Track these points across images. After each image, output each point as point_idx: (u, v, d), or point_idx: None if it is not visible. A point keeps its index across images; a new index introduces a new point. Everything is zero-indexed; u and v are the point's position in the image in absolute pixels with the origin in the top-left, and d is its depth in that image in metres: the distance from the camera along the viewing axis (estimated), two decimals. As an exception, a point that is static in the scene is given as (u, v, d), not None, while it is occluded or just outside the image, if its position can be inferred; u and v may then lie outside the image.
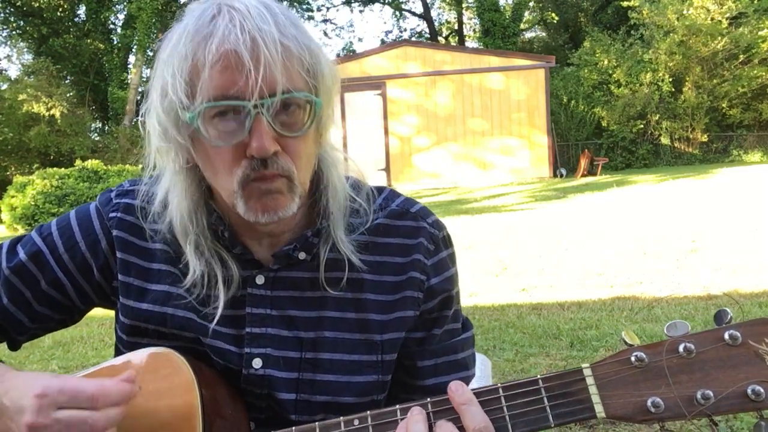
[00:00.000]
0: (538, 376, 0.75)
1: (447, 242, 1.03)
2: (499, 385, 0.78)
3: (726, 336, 0.68)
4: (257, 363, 0.94)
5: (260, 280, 0.96)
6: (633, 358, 0.70)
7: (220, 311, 0.94)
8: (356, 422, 0.82)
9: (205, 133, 0.84)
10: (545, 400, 0.74)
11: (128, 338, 0.99)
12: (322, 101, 0.87)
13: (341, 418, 0.84)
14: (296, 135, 0.86)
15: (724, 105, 20.73)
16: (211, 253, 0.95)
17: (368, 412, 0.83)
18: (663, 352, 0.68)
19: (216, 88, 0.81)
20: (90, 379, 0.82)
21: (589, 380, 0.73)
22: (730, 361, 0.68)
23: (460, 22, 33.66)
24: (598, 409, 0.70)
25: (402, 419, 0.80)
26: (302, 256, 0.96)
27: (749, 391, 0.66)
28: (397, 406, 0.82)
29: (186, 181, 0.94)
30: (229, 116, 0.83)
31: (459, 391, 0.79)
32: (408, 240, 0.99)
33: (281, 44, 0.81)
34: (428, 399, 0.81)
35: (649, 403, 0.68)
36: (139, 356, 0.92)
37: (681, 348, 0.69)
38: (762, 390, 0.65)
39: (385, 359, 0.97)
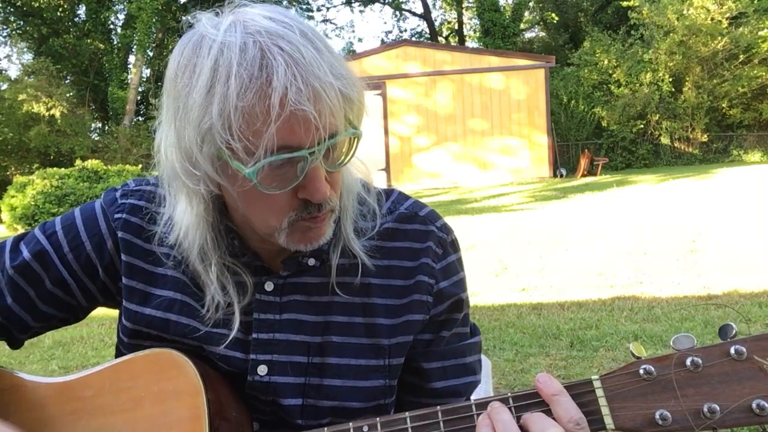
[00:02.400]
0: None
1: (455, 246, 1.03)
2: (509, 394, 0.78)
3: (732, 351, 0.69)
4: (262, 370, 0.94)
5: (269, 286, 0.96)
6: (641, 371, 0.71)
7: (236, 325, 0.94)
8: (365, 429, 0.82)
9: (260, 183, 0.81)
10: None
11: (129, 340, 0.98)
12: (362, 130, 0.86)
13: (350, 423, 0.83)
14: (340, 168, 0.87)
15: (724, 105, 20.73)
16: (225, 267, 0.95)
17: (377, 418, 0.82)
18: (671, 365, 0.69)
19: (279, 141, 0.77)
20: None
21: (599, 392, 0.73)
22: (735, 375, 0.69)
23: (460, 22, 33.63)
24: (608, 420, 0.71)
25: (413, 427, 0.79)
26: (311, 262, 0.96)
27: (754, 405, 0.67)
28: (407, 414, 0.81)
29: (206, 212, 0.91)
30: (284, 163, 0.80)
31: (549, 382, 0.77)
32: (416, 244, 0.99)
33: (342, 92, 0.79)
34: (509, 393, 0.79)
35: (657, 415, 0.69)
36: (143, 357, 0.92)
37: (688, 362, 0.70)
38: (766, 405, 0.67)
39: (392, 363, 0.97)
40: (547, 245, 7.34)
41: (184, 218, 0.92)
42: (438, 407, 0.80)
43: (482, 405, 0.79)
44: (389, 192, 1.05)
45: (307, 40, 0.79)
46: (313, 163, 0.80)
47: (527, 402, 0.77)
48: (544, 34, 32.70)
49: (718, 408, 0.66)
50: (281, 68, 0.75)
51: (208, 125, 0.77)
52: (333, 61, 0.79)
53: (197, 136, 0.79)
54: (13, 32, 28.86)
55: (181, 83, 0.80)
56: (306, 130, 0.77)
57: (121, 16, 26.92)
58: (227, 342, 0.93)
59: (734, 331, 0.69)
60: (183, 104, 0.80)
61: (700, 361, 0.69)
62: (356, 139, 0.86)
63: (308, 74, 0.76)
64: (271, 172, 0.80)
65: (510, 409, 0.77)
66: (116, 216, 0.99)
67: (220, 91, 0.76)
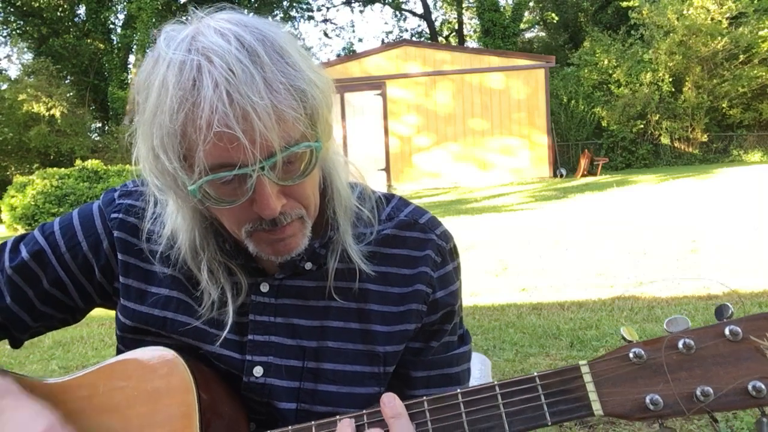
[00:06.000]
0: (535, 373, 0.74)
1: (453, 254, 1.02)
2: (495, 382, 0.77)
3: (726, 331, 0.67)
4: (258, 371, 0.94)
5: (265, 287, 0.96)
6: (631, 355, 0.69)
7: (229, 323, 0.94)
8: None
9: (207, 198, 0.82)
10: (542, 397, 0.73)
11: (132, 335, 0.99)
12: (321, 142, 0.83)
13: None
14: (300, 181, 0.84)
15: (724, 105, 20.73)
16: (218, 264, 0.95)
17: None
18: (662, 348, 0.67)
19: (212, 160, 0.77)
20: None
21: (587, 377, 0.72)
22: (730, 357, 0.67)
23: (460, 22, 33.67)
24: (596, 407, 0.69)
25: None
26: (308, 266, 0.96)
27: (750, 387, 0.64)
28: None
29: (190, 214, 0.92)
30: (230, 179, 0.80)
31: (391, 404, 0.79)
32: (415, 252, 0.98)
33: (274, 110, 0.76)
34: (364, 410, 0.82)
35: (647, 400, 0.67)
36: (137, 356, 0.92)
37: (680, 344, 0.67)
38: (763, 386, 0.64)
39: (386, 371, 0.97)
40: (547, 245, 7.32)
41: (171, 220, 0.94)
42: (424, 397, 0.81)
43: (469, 393, 0.79)
44: (389, 197, 1.04)
45: (247, 53, 0.76)
46: (257, 179, 0.79)
47: (375, 419, 0.80)
48: (544, 34, 32.73)
49: (711, 391, 0.64)
50: (209, 89, 0.74)
51: (155, 145, 0.79)
52: (275, 75, 0.77)
53: (150, 153, 0.81)
54: (13, 32, 28.91)
55: (140, 99, 0.82)
56: (236, 150, 0.76)
57: (121, 16, 27.07)
58: (222, 341, 0.94)
59: (730, 312, 0.67)
60: (142, 120, 0.82)
61: (693, 343, 0.67)
62: (315, 152, 0.83)
63: (237, 94, 0.74)
64: (221, 186, 0.81)
65: (363, 425, 0.80)
66: (113, 216, 1.00)
67: (160, 113, 0.78)
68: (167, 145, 0.78)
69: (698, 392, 0.65)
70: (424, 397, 0.80)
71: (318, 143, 0.82)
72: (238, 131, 0.74)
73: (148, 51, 0.84)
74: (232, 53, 0.75)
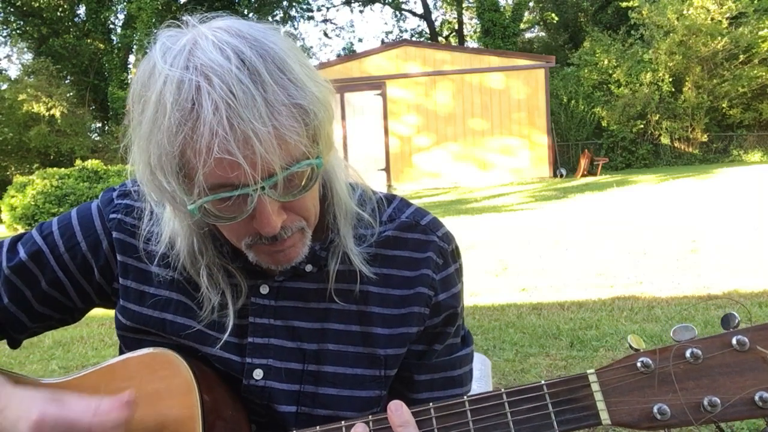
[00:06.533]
0: (543, 382, 0.74)
1: (455, 256, 1.02)
2: (502, 390, 0.77)
3: (733, 341, 0.67)
4: (258, 374, 0.93)
5: (264, 289, 0.95)
6: (639, 364, 0.69)
7: (230, 327, 0.93)
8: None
9: (207, 215, 0.82)
10: (550, 406, 0.73)
11: (132, 335, 0.98)
12: (322, 157, 0.82)
13: (342, 422, 0.84)
14: (301, 196, 0.83)
15: (724, 105, 20.73)
16: (217, 267, 0.94)
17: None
18: (670, 357, 0.67)
19: (212, 181, 0.77)
20: (89, 402, 0.81)
21: (595, 386, 0.72)
22: (737, 367, 0.67)
23: (460, 22, 33.64)
24: (604, 416, 0.69)
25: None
26: (309, 268, 0.95)
27: (757, 397, 0.65)
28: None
29: (187, 223, 0.92)
30: (230, 197, 0.79)
31: (398, 412, 0.79)
32: (417, 253, 0.98)
33: (276, 133, 0.74)
34: (370, 417, 0.82)
35: (655, 409, 0.67)
36: (138, 357, 0.92)
37: (688, 353, 0.68)
38: (770, 397, 0.64)
39: (388, 374, 0.96)
40: (547, 245, 7.32)
41: (169, 227, 0.93)
42: (431, 404, 0.80)
43: (477, 400, 0.78)
44: (390, 198, 1.04)
45: (247, 71, 0.74)
46: (258, 198, 0.78)
47: (381, 427, 0.80)
48: (544, 34, 32.72)
49: (718, 401, 0.64)
50: (209, 112, 0.72)
51: (152, 163, 0.78)
52: (276, 95, 0.75)
53: (146, 168, 0.80)
54: (13, 32, 28.89)
55: (136, 112, 0.80)
56: (236, 173, 0.75)
57: (121, 16, 27.02)
58: (221, 344, 0.93)
59: (737, 321, 0.67)
60: (137, 134, 0.80)
61: (700, 353, 0.67)
62: (316, 168, 0.81)
63: (237, 118, 0.72)
64: (220, 204, 0.80)
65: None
66: (111, 216, 0.99)
67: (157, 131, 0.76)
68: (165, 165, 0.76)
69: (705, 402, 0.65)
70: (431, 404, 0.80)
71: (319, 159, 0.80)
72: (239, 157, 0.73)
73: (146, 52, 0.81)
74: (232, 72, 0.73)
